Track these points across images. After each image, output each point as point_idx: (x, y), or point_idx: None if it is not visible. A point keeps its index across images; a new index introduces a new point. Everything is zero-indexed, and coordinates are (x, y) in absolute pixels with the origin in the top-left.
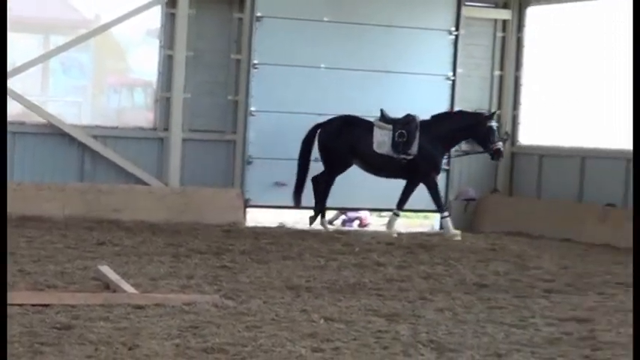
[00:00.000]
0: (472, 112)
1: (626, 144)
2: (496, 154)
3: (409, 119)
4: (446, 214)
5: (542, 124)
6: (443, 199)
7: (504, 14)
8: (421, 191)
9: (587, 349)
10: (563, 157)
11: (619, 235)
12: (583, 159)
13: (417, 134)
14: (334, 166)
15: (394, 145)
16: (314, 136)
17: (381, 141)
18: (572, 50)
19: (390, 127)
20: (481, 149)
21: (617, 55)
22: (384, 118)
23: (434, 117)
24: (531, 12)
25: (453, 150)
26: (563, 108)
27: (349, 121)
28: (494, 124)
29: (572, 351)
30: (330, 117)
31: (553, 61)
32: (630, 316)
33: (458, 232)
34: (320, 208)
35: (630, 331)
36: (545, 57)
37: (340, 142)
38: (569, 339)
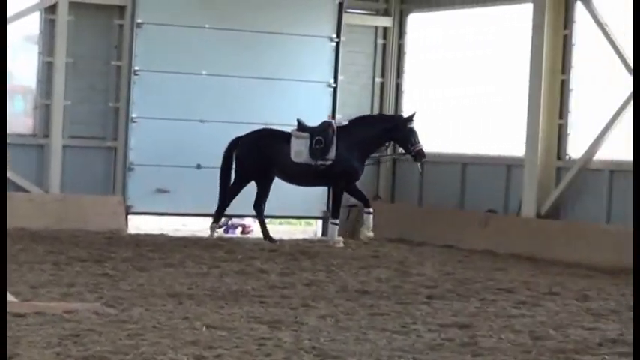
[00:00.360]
0: (391, 115)
1: (506, 150)
2: (419, 156)
3: (325, 126)
4: (336, 221)
5: (423, 130)
6: (340, 207)
7: (385, 21)
8: (303, 197)
9: (469, 354)
10: (444, 164)
11: (499, 242)
12: (464, 165)
13: (335, 140)
14: (250, 179)
15: (312, 152)
16: (233, 150)
17: (298, 150)
18: (453, 57)
19: (307, 135)
20: (403, 152)
21: (497, 61)
22: (300, 127)
23: (352, 121)
24: (412, 19)
25: (376, 154)
26: (444, 114)
27: (266, 134)
28: (414, 125)
29: (453, 357)
30: (213, 124)
31: (434, 68)
32: (512, 321)
33: (340, 239)
34: (217, 216)
35: (512, 336)
36: (426, 64)
37: (258, 156)
38: (450, 345)
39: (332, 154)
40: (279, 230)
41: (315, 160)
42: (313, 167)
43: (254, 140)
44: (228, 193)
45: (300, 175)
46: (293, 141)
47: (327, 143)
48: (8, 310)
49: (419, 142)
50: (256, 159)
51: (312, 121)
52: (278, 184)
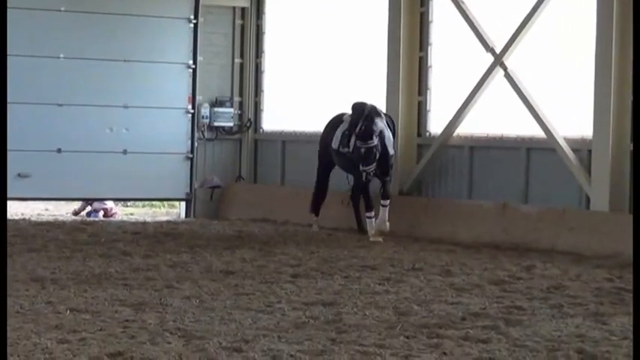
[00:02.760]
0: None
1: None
2: None
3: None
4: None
5: (284, 110)
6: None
7: (243, 2)
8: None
9: (334, 332)
10: (304, 142)
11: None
12: None
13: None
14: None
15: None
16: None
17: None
18: (311, 37)
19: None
20: None
21: (355, 40)
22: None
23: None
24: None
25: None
26: (303, 94)
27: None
28: None
29: (318, 334)
30: (72, 107)
31: (293, 48)
32: (376, 298)
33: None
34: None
35: (377, 312)
36: (285, 43)
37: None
38: (315, 323)
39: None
40: (142, 213)
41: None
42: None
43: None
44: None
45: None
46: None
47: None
48: None
49: None
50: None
51: (174, 103)
52: (138, 167)
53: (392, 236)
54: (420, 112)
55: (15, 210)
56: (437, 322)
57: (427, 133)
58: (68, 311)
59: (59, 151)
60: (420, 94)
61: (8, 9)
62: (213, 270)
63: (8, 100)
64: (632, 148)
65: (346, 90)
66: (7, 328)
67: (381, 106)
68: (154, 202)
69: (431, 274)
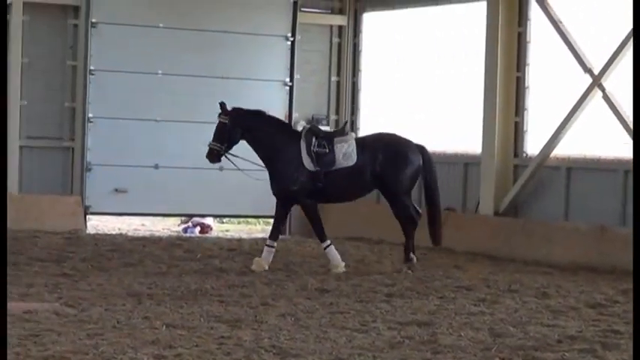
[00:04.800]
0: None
1: (464, 148)
2: None
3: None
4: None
5: (382, 129)
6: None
7: (340, 20)
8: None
9: (429, 352)
10: None
11: (458, 239)
12: None
13: None
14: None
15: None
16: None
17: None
18: (408, 56)
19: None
20: None
21: (452, 59)
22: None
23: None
24: (367, 18)
25: None
26: (400, 113)
27: None
28: None
29: (413, 354)
30: (169, 123)
31: (390, 67)
32: (472, 319)
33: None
34: None
35: (472, 333)
36: (382, 62)
37: None
38: (410, 343)
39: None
40: (237, 229)
41: None
42: None
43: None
44: None
45: None
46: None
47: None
48: None
49: None
50: None
51: None
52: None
53: (487, 257)
54: (517, 132)
55: (112, 225)
56: (533, 345)
57: (524, 154)
58: (164, 327)
59: (156, 166)
60: (517, 114)
61: (106, 24)
62: (309, 288)
63: (106, 115)
64: None
65: (443, 109)
66: (104, 342)
67: (479, 126)
68: (249, 219)
69: (527, 296)
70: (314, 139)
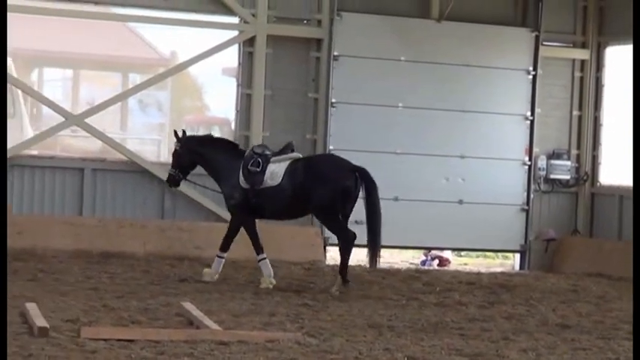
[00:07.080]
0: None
1: None
2: None
3: None
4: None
5: (622, 164)
6: None
7: (582, 54)
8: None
9: None
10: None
11: None
12: None
13: None
14: None
15: None
16: None
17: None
18: None
19: None
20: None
21: None
22: None
23: None
24: (610, 52)
25: None
26: None
27: None
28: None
29: None
30: (408, 156)
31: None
32: None
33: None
34: None
35: None
36: (625, 97)
37: None
38: None
39: None
40: (476, 263)
41: None
42: None
43: None
44: None
45: None
46: None
47: None
48: (212, 338)
49: None
50: None
51: (510, 154)
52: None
53: None
54: None
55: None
56: None
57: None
58: (406, 359)
59: (396, 199)
60: None
61: (348, 57)
62: (549, 323)
63: (346, 147)
64: None
65: None
66: None
67: None
68: (487, 253)
69: None
70: (252, 159)
